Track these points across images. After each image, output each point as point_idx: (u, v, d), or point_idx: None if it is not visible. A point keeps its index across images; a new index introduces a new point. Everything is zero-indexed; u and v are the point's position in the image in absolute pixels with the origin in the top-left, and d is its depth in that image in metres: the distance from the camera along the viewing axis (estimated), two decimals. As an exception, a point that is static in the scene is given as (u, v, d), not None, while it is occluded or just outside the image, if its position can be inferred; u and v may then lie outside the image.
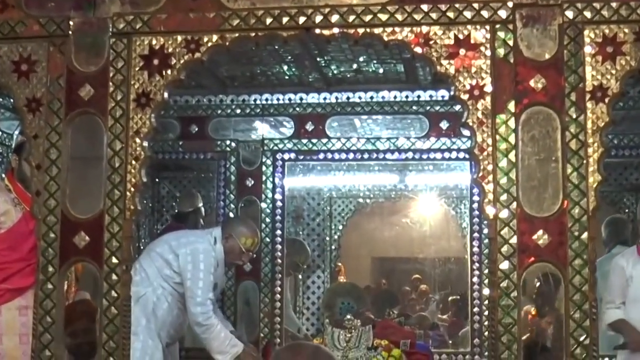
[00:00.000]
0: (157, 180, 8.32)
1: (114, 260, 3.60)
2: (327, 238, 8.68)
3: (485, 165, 3.43)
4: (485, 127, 3.44)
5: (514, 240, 3.39)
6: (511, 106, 3.44)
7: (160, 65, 3.64)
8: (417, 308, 9.34)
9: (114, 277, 3.59)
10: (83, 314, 4.62)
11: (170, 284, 5.47)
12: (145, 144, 3.65)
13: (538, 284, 5.77)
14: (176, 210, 7.76)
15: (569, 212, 3.38)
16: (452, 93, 3.51)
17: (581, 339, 3.33)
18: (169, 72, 3.64)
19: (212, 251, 5.46)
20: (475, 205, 6.18)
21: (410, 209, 9.42)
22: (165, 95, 3.65)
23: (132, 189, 3.63)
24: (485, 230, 5.99)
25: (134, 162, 3.64)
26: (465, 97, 3.46)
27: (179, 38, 3.64)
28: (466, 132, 3.96)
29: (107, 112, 3.65)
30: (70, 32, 3.70)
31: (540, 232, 3.38)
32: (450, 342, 7.19)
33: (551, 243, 3.38)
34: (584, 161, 3.38)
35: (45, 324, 3.65)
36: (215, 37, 3.63)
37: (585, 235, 3.36)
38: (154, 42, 3.65)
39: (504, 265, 3.39)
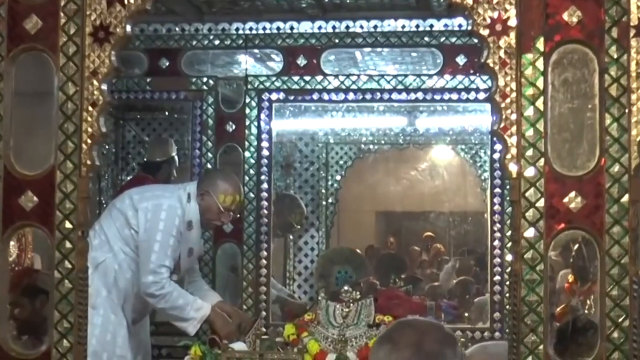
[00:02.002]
0: (121, 122, 8.29)
1: (68, 225, 3.58)
2: (323, 191, 8.67)
3: (508, 115, 3.40)
4: (509, 68, 3.40)
5: (540, 203, 3.38)
6: (540, 44, 3.39)
7: (122, -9, 3.60)
8: (428, 272, 9.38)
9: (68, 244, 3.58)
10: (28, 286, 4.65)
11: (132, 248, 5.49)
12: (105, 86, 3.61)
13: (577, 246, 5.79)
14: (145, 159, 7.75)
15: (607, 170, 3.36)
16: (469, 27, 3.46)
17: (619, 320, 3.33)
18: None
19: (178, 209, 5.48)
20: (497, 156, 6.15)
21: (420, 158, 9.41)
22: (128, 28, 3.61)
23: (89, 141, 3.60)
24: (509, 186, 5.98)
25: (90, 108, 3.60)
26: (485, 32, 3.42)
27: (144, -42, 3.59)
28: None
29: (57, 49, 3.60)
30: (12, -48, 3.65)
31: (573, 194, 3.37)
32: (466, 314, 7.21)
33: (585, 207, 3.36)
34: (626, 110, 3.35)
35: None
36: (186, -41, 3.58)
37: (625, 197, 3.35)
38: (113, -37, 3.60)
39: (529, 232, 3.38)
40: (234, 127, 6.63)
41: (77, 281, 3.57)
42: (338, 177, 8.85)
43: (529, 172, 3.39)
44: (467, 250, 9.45)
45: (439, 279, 9.05)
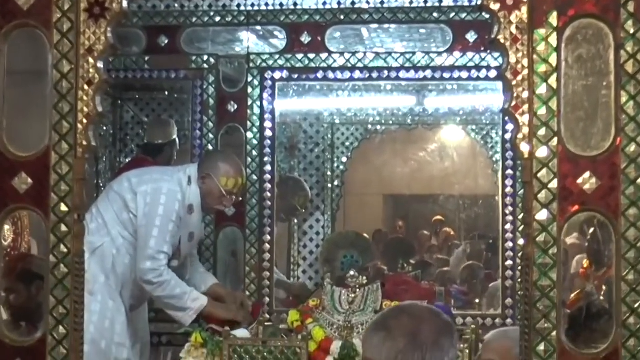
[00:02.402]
0: (119, 102, 8.29)
1: (63, 207, 3.56)
2: (329, 173, 8.66)
3: (519, 93, 3.37)
4: (520, 44, 3.38)
5: (553, 184, 3.36)
6: (553, 19, 3.37)
7: (118, -35, 3.58)
8: (437, 257, 9.38)
9: (64, 228, 3.56)
10: (23, 272, 4.66)
11: (131, 232, 5.51)
12: (101, 64, 3.58)
13: (592, 229, 5.77)
14: (145, 141, 7.75)
15: (623, 150, 3.33)
16: (480, 2, 3.44)
17: (635, 305, 3.31)
18: (129, -26, 3.59)
19: (178, 193, 5.49)
20: (508, 136, 6.14)
21: (429, 139, 9.39)
22: (125, 4, 3.58)
23: (85, 121, 3.58)
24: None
25: (86, 87, 3.57)
26: (495, 7, 3.39)
27: None
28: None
29: (51, 25, 3.57)
30: None
31: (587, 174, 3.35)
32: (477, 300, 7.21)
33: (600, 188, 3.34)
34: (643, 87, 3.33)
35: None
36: None
37: (642, 178, 3.33)
38: (109, -64, 3.58)
39: (542, 215, 3.36)
40: (235, 107, 6.61)
41: (73, 266, 3.56)
42: (344, 159, 8.83)
43: (542, 152, 3.37)
44: (478, 234, 9.44)
45: (449, 264, 9.06)
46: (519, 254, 6.11)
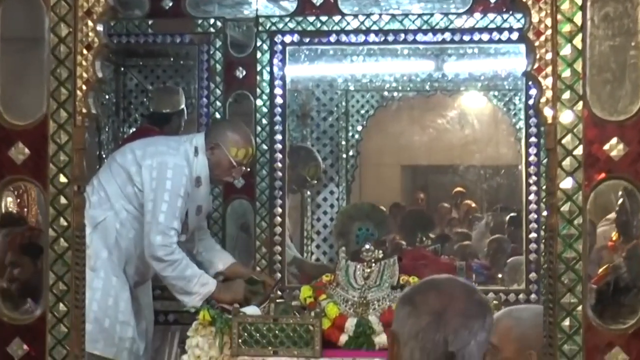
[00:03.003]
0: (122, 69, 8.28)
1: (62, 179, 3.57)
2: (343, 143, 8.64)
3: (542, 54, 3.36)
4: (543, 3, 3.36)
5: (579, 151, 3.35)
6: (577, -25, 3.36)
7: None
8: (457, 230, 9.37)
9: (63, 200, 3.57)
10: (29, 245, 4.66)
11: (135, 206, 5.51)
12: (100, 27, 3.58)
13: (621, 200, 5.74)
14: (151, 110, 7.75)
15: (652, 114, 3.33)
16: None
17: (665, 278, 3.32)
18: None
19: (185, 167, 5.49)
20: (532, 102, 6.11)
21: (449, 106, 9.34)
22: (125, -38, 3.58)
23: (84, 87, 3.59)
24: (547, 135, 5.95)
25: (85, 51, 3.58)
26: (517, -37, 3.39)
27: None
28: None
29: (48, -14, 3.58)
30: None
31: (614, 140, 3.34)
32: (499, 275, 7.21)
33: (628, 155, 3.34)
34: (674, 47, 3.32)
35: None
36: None
37: (672, 144, 3.32)
38: None
39: (566, 183, 3.36)
40: (244, 73, 6.59)
41: (74, 240, 3.57)
42: (359, 128, 8.81)
43: (566, 116, 3.36)
44: (500, 207, 9.42)
45: (471, 238, 9.05)
46: (543, 226, 6.10)
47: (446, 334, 2.58)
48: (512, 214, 8.49)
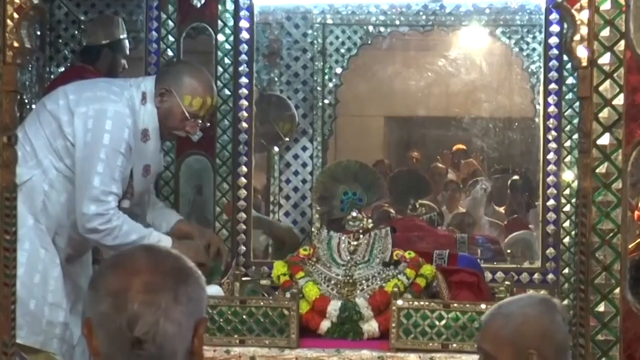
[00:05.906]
0: (51, -4, 8.25)
1: (-11, 128, 3.58)
2: (319, 88, 8.63)
3: (577, -18, 3.39)
4: None
5: (619, 100, 3.39)
6: None
7: None
8: (457, 195, 9.42)
9: (-10, 154, 3.59)
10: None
11: (67, 164, 5.50)
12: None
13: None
14: (84, 44, 7.70)
15: None
16: None
17: None
18: None
19: (128, 117, 5.48)
20: (553, 41, 6.14)
21: (449, 44, 9.36)
22: None
23: (16, 15, 3.58)
24: (570, 80, 5.98)
25: (17, -29, 3.58)
26: None
27: None
28: None
29: None
30: None
31: (663, 88, 3.37)
32: (508, 251, 7.27)
33: (679, 106, 3.37)
34: None
35: None
36: None
37: None
38: None
39: (603, 139, 3.40)
40: (202, 1, 6.57)
41: (3, 203, 3.58)
42: (338, 70, 8.79)
43: (604, 58, 3.39)
44: (502, 167, 9.46)
45: (465, 205, 9.10)
46: (564, 191, 6.14)
47: (129, 317, 2.60)
48: (514, 177, 8.56)
